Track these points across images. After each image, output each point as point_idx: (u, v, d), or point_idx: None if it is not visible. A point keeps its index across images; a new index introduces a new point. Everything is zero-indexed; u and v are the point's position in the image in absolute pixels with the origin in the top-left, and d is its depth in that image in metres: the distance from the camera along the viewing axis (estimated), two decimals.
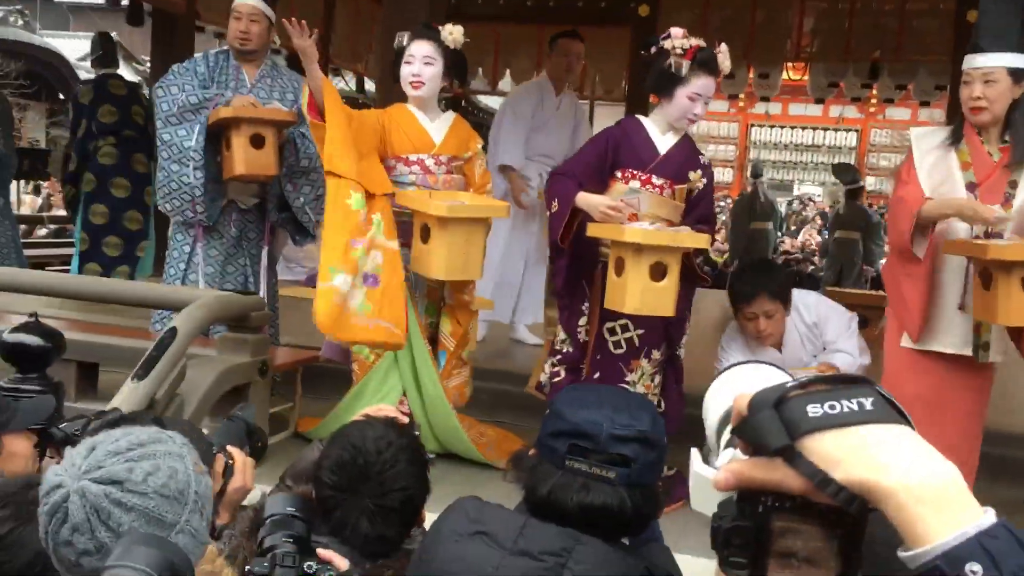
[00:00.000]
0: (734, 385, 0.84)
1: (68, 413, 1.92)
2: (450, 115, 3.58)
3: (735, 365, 0.92)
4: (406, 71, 3.42)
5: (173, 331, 2.60)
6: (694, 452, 0.84)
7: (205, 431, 2.78)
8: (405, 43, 3.44)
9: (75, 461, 1.23)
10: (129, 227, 5.55)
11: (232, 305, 3.01)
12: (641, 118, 3.30)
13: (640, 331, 3.22)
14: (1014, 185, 2.82)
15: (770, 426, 0.65)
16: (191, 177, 3.68)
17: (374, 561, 1.58)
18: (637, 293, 2.89)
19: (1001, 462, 3.51)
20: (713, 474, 0.73)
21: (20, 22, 15.19)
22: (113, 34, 16.57)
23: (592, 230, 3.09)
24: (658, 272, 2.91)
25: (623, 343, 3.23)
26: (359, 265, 3.13)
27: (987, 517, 0.61)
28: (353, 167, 3.21)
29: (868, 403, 0.64)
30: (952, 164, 2.88)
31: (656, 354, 3.27)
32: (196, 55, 4.00)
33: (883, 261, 3.50)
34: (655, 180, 3.19)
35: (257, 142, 3.61)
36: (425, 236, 3.24)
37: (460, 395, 3.62)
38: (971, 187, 2.85)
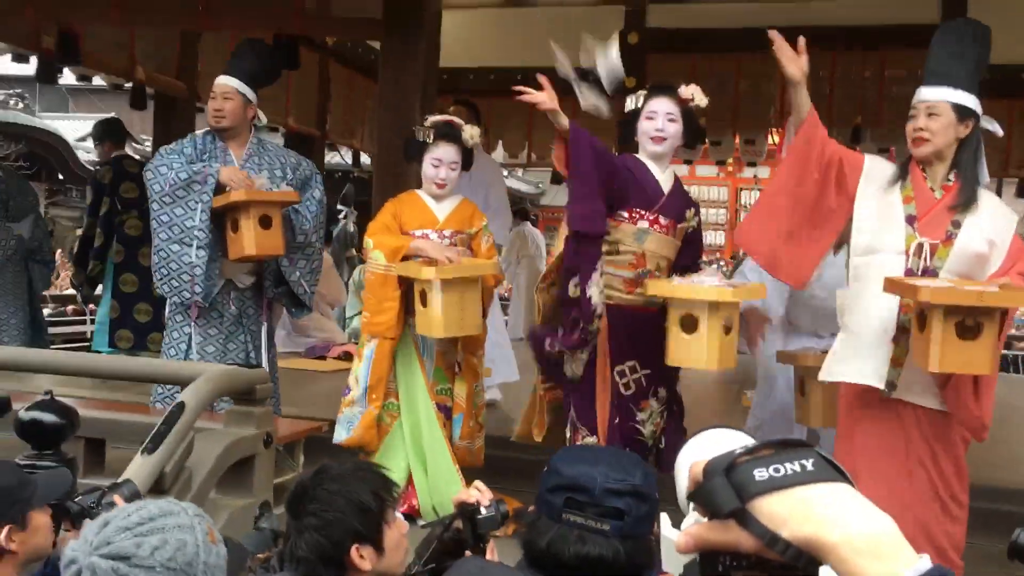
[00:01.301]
0: (703, 450, 0.91)
1: (78, 489, 1.97)
2: (457, 197, 3.87)
3: (703, 432, 0.98)
4: (432, 173, 3.72)
5: (181, 405, 2.67)
6: (663, 517, 0.90)
7: (213, 500, 2.83)
8: (430, 140, 3.68)
9: (88, 537, 1.29)
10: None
11: (237, 379, 3.08)
12: (640, 156, 3.34)
13: (647, 371, 3.28)
14: (957, 225, 2.84)
15: (722, 491, 0.70)
16: (193, 256, 3.75)
17: None
18: (716, 350, 3.01)
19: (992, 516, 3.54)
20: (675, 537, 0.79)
21: (20, 105, 15.50)
22: (112, 114, 16.82)
23: (660, 289, 3.12)
24: (729, 328, 3.05)
25: (632, 384, 3.28)
26: None
27: (922, 562, 0.66)
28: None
29: (809, 464, 0.69)
30: (895, 198, 2.89)
31: (662, 392, 3.33)
32: (184, 138, 4.09)
33: None
34: (662, 220, 3.27)
35: (265, 223, 3.73)
36: (424, 300, 3.52)
37: (479, 458, 3.81)
38: (910, 219, 2.86)
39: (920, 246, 2.83)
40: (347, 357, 6.85)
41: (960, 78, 2.86)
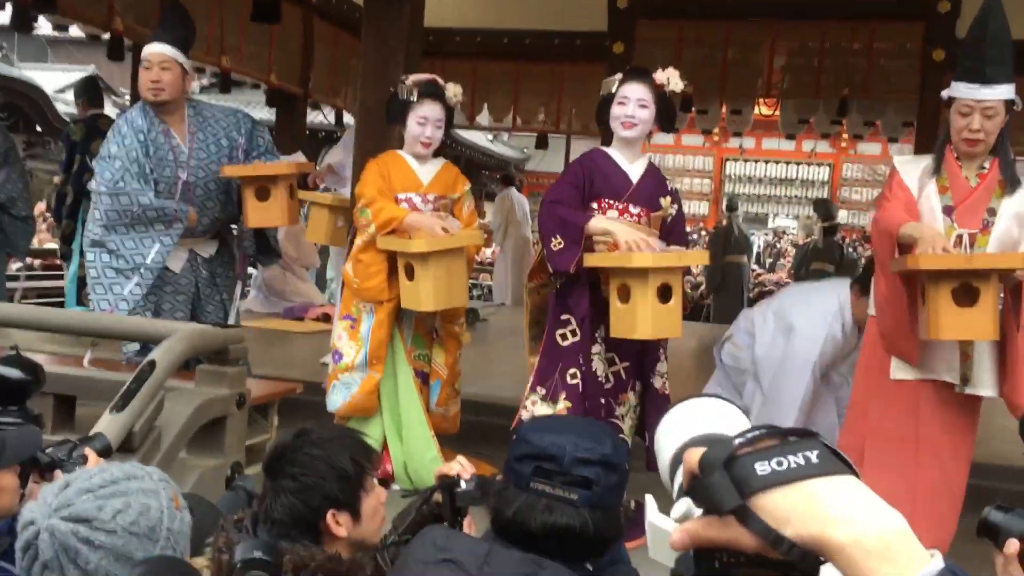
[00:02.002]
0: (686, 423, 0.87)
1: (45, 446, 1.94)
2: (439, 160, 3.81)
3: (686, 401, 0.95)
4: (418, 131, 3.65)
5: (152, 364, 2.63)
6: (649, 500, 0.86)
7: (183, 460, 2.81)
8: (414, 98, 3.61)
9: (47, 499, 1.26)
10: None
11: (211, 338, 3.04)
12: (606, 149, 3.35)
13: (626, 364, 3.26)
14: (993, 212, 2.85)
15: (721, 487, 0.67)
16: (125, 291, 3.63)
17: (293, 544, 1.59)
18: (649, 318, 2.93)
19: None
20: (668, 526, 0.75)
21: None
22: (91, 67, 16.59)
23: (592, 260, 3.11)
24: (665, 294, 2.97)
25: (611, 376, 3.26)
26: None
27: (934, 563, 0.63)
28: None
29: (814, 456, 0.66)
30: (930, 190, 2.89)
31: (638, 386, 3.32)
32: (123, 122, 3.78)
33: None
34: (632, 209, 3.24)
35: (292, 193, 3.77)
36: (410, 273, 3.48)
37: (454, 424, 3.81)
38: (947, 210, 2.86)
39: (960, 238, 2.83)
40: (326, 319, 6.81)
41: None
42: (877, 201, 3.09)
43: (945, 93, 2.90)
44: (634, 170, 3.29)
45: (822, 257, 8.77)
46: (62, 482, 1.30)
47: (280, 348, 5.65)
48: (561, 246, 3.13)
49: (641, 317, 2.94)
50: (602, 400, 3.24)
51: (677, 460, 0.78)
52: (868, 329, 3.12)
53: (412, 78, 3.69)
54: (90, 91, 6.06)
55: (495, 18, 7.80)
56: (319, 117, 10.48)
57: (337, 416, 3.66)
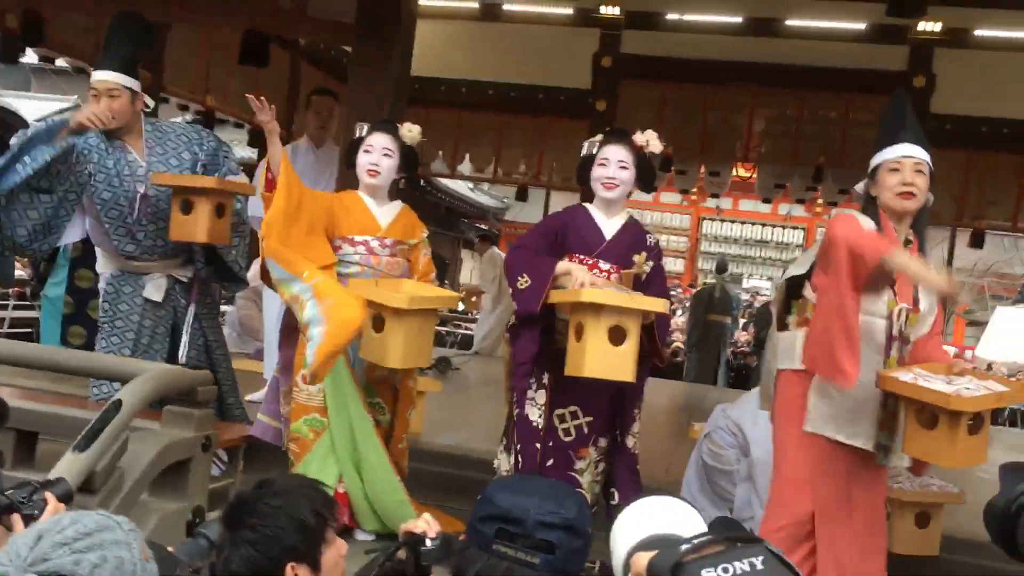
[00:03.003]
0: (641, 522, 0.88)
1: (7, 482, 1.90)
2: (398, 203, 3.75)
3: (643, 499, 0.95)
4: (364, 159, 3.59)
5: (118, 403, 2.59)
6: None
7: (144, 503, 2.76)
8: (365, 134, 3.59)
9: (20, 552, 1.23)
10: None
11: (180, 380, 3.00)
12: (586, 205, 3.39)
13: (589, 419, 3.25)
14: (916, 289, 2.87)
15: None
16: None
17: None
18: (597, 356, 2.90)
19: None
20: None
21: None
22: (75, 97, 16.55)
23: (554, 296, 3.11)
24: (618, 336, 2.94)
25: (572, 430, 3.26)
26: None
27: None
28: (287, 241, 3.38)
29: (759, 563, 0.68)
30: None
31: (602, 442, 3.31)
32: (78, 140, 3.61)
33: None
34: (602, 265, 3.27)
35: (219, 211, 3.63)
36: (379, 326, 3.33)
37: (402, 469, 3.66)
38: (891, 282, 2.82)
39: (900, 312, 2.85)
40: None
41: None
42: (829, 224, 2.93)
43: (871, 165, 2.94)
44: (610, 226, 3.33)
45: (718, 309, 9.05)
46: (34, 534, 1.27)
47: (249, 390, 5.59)
48: (527, 284, 3.14)
49: (590, 355, 2.91)
50: (550, 451, 3.22)
51: (628, 562, 0.79)
52: (784, 390, 2.95)
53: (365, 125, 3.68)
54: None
55: (481, 70, 7.91)
56: None
57: (298, 452, 3.56)
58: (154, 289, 3.79)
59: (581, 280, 3.07)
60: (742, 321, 13.60)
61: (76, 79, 13.50)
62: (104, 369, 3.26)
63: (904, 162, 2.87)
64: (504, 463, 3.31)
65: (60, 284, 5.69)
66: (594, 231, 3.30)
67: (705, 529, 1.01)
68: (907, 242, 2.91)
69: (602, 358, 2.91)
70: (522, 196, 9.55)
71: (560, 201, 9.16)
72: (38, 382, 3.75)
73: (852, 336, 2.66)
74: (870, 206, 2.92)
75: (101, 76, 3.61)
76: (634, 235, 3.36)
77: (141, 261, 3.78)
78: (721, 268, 10.18)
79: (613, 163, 3.24)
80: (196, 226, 3.57)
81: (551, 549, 1.43)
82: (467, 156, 8.92)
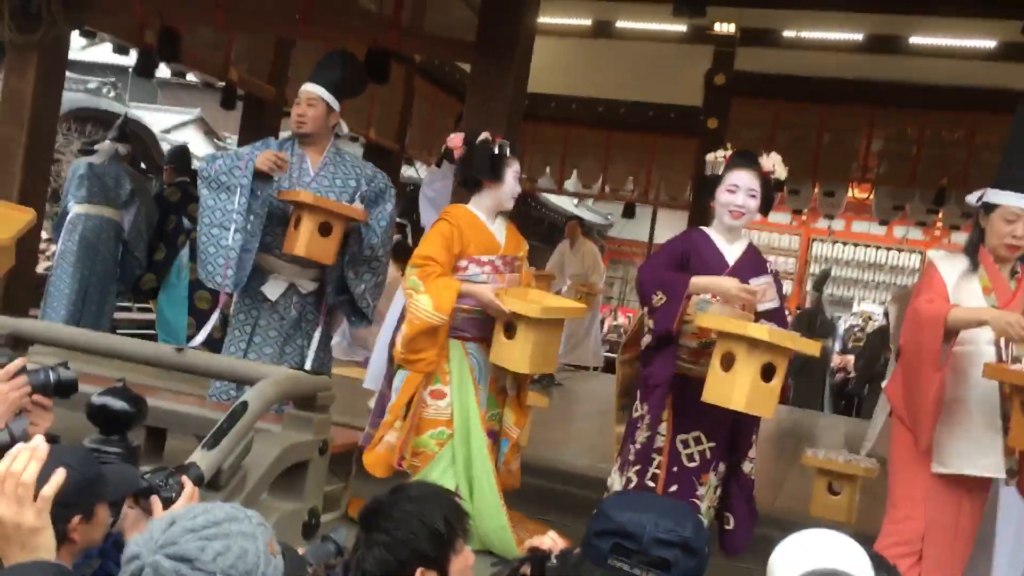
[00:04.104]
0: (805, 554, 0.87)
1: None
2: (503, 220, 3.79)
3: (805, 532, 0.94)
4: (514, 187, 3.65)
5: (244, 405, 2.70)
6: None
7: (263, 502, 2.86)
8: (508, 154, 3.64)
9: (154, 535, 1.30)
10: (227, 311, 6.09)
11: (302, 384, 3.11)
12: (705, 229, 3.34)
13: (712, 444, 3.19)
14: None
15: None
16: (229, 239, 3.79)
17: None
18: (746, 391, 2.88)
19: None
20: None
21: (112, 93, 16.02)
22: (198, 109, 17.17)
23: (707, 321, 3.06)
24: (768, 373, 2.93)
25: (696, 456, 3.19)
26: None
27: None
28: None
29: None
30: (974, 289, 2.95)
31: (721, 467, 3.25)
32: (268, 139, 4.14)
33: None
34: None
35: (325, 230, 3.76)
36: (510, 332, 3.46)
37: (517, 479, 3.77)
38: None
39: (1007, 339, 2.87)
40: None
41: None
42: (915, 293, 3.09)
43: (986, 198, 2.97)
44: (732, 252, 3.27)
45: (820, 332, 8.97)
46: (168, 518, 1.34)
47: (361, 397, 5.73)
48: (664, 301, 3.09)
49: (739, 388, 2.88)
50: (674, 476, 3.17)
51: None
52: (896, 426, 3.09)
53: (492, 136, 3.67)
54: (180, 160, 6.47)
55: (592, 86, 7.93)
56: (410, 171, 10.74)
57: (417, 466, 3.63)
58: (272, 288, 3.98)
59: (736, 295, 3.05)
60: (849, 346, 13.19)
61: (199, 91, 14.13)
62: (231, 372, 3.40)
63: (1021, 215, 2.89)
64: (617, 482, 3.29)
65: (178, 305, 6.04)
66: (716, 257, 3.24)
67: (870, 564, 0.99)
68: (1013, 272, 2.98)
69: (751, 392, 2.89)
70: (629, 213, 9.49)
71: (667, 218, 9.12)
72: (152, 379, 3.95)
73: (929, 411, 2.83)
74: (975, 238, 3.00)
75: (305, 87, 4.02)
76: (754, 262, 3.30)
77: (276, 258, 3.96)
78: (818, 286, 9.85)
79: (743, 191, 3.17)
80: (298, 240, 3.73)
81: (667, 567, 1.42)
82: (574, 172, 8.95)
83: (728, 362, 2.94)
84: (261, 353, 3.94)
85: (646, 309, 3.20)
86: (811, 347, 3.06)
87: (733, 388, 2.90)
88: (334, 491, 3.68)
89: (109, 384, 2.34)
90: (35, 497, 1.39)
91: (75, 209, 5.63)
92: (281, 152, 3.93)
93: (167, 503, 1.73)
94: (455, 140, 3.72)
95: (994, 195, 2.94)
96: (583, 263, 8.49)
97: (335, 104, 4.02)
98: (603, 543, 1.47)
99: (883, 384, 4.34)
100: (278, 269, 3.98)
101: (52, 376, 1.99)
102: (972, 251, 2.99)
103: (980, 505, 3.00)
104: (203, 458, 2.54)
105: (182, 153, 6.61)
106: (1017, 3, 4.95)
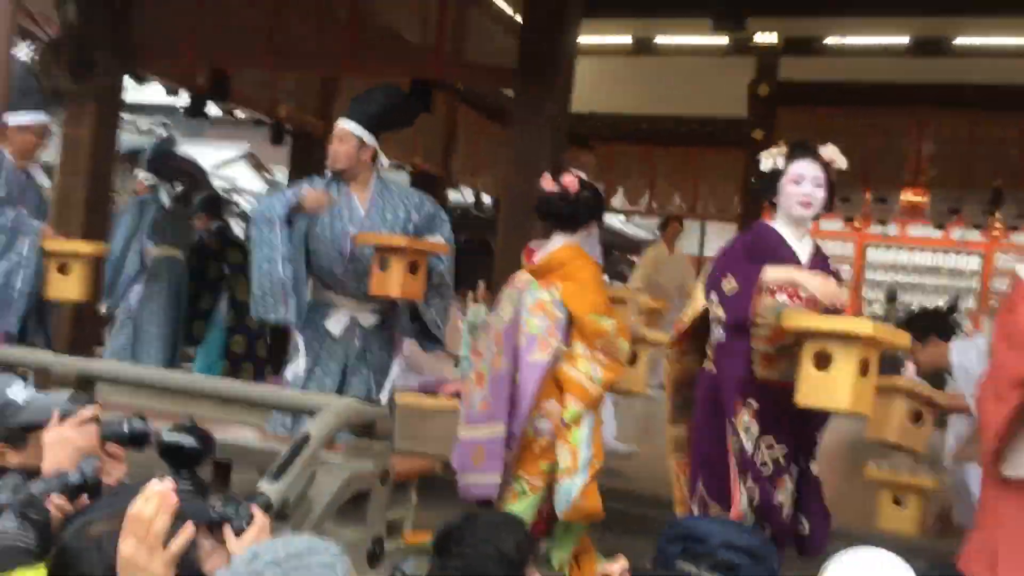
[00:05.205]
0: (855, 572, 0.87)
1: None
2: (555, 242, 3.75)
3: (851, 553, 0.94)
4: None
5: (307, 436, 2.75)
6: None
7: (327, 530, 2.90)
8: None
9: (238, 569, 1.34)
10: (260, 355, 6.48)
11: (361, 414, 3.15)
12: (773, 225, 3.23)
13: (784, 447, 3.09)
14: None
15: None
16: (280, 272, 3.86)
17: None
18: (849, 389, 2.76)
19: None
20: None
21: (163, 133, 16.45)
22: (246, 144, 17.39)
23: (795, 320, 2.91)
24: (864, 368, 2.82)
25: (769, 462, 3.09)
26: None
27: None
28: None
29: None
30: None
31: (794, 469, 3.16)
32: (312, 177, 4.20)
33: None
34: (801, 292, 3.08)
35: (413, 268, 3.84)
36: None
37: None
38: None
39: None
40: (458, 395, 6.93)
41: None
42: (1005, 306, 3.02)
43: None
44: (803, 249, 3.18)
45: None
46: (250, 553, 1.37)
47: (418, 423, 5.78)
48: (737, 290, 2.99)
49: (842, 387, 2.76)
50: (762, 487, 3.04)
51: None
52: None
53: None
54: (212, 207, 6.68)
55: (634, 103, 7.94)
56: (456, 195, 10.84)
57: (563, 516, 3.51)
58: (335, 323, 4.05)
59: (823, 295, 2.96)
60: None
61: (246, 126, 14.41)
62: (290, 403, 3.46)
63: None
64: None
65: (214, 350, 6.24)
66: (790, 255, 3.15)
67: None
68: None
69: (853, 390, 2.77)
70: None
71: (715, 231, 9.04)
72: (212, 411, 4.03)
73: (1002, 420, 2.76)
74: None
75: (338, 123, 4.08)
76: (824, 262, 3.23)
77: (336, 294, 4.05)
78: (891, 297, 9.71)
79: (808, 179, 3.09)
80: (391, 282, 3.79)
81: (733, 569, 1.45)
82: (619, 189, 8.95)
83: (823, 361, 2.83)
84: (322, 384, 4.00)
85: (714, 297, 3.08)
86: (905, 339, 2.98)
87: (836, 388, 2.79)
88: (396, 519, 3.72)
89: (174, 419, 2.40)
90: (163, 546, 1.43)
91: (155, 252, 5.81)
92: (327, 191, 4.00)
93: (239, 532, 1.77)
94: (572, 182, 3.57)
95: None
96: (680, 270, 8.07)
97: (369, 138, 4.03)
98: (673, 547, 1.52)
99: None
100: (338, 303, 4.05)
101: (126, 427, 2.04)
102: None
103: None
104: (270, 488, 2.59)
105: (212, 201, 6.83)
106: None
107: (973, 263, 15.55)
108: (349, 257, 3.99)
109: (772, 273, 3.01)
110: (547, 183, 3.62)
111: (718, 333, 3.14)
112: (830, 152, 3.14)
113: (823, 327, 2.87)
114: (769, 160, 3.18)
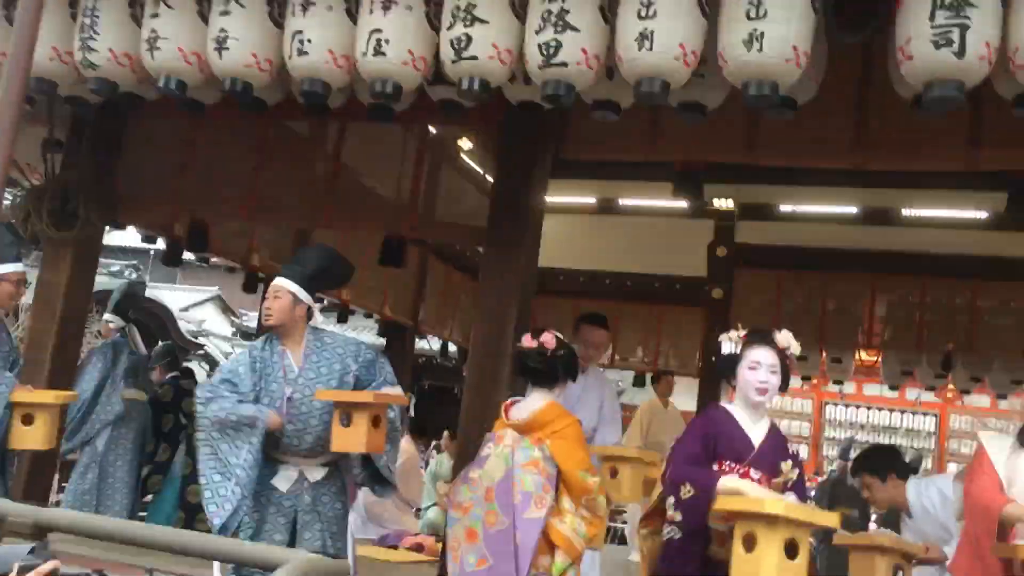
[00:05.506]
0: None
1: None
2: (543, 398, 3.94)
3: None
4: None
5: None
6: None
7: None
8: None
9: None
10: None
11: (322, 570, 3.12)
12: (727, 407, 3.39)
13: None
14: None
15: None
16: (228, 491, 3.86)
17: None
18: (773, 569, 2.83)
19: None
20: None
21: (133, 275, 16.52)
22: (216, 288, 17.48)
23: (723, 503, 3.06)
24: (792, 550, 2.89)
25: None
26: None
27: None
28: None
29: None
30: (1021, 464, 3.09)
31: None
32: (245, 351, 4.19)
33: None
34: (752, 474, 3.22)
35: (376, 422, 3.88)
36: (748, 545, 2.95)
37: None
38: None
39: None
40: (419, 548, 6.79)
41: None
42: (967, 475, 3.25)
43: None
44: (756, 432, 3.32)
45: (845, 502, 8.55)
46: None
47: (378, 573, 5.64)
48: (691, 494, 3.12)
49: (765, 567, 2.85)
50: None
51: None
52: None
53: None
54: (169, 357, 6.77)
55: (598, 260, 8.17)
56: (423, 343, 10.93)
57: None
58: (282, 480, 4.04)
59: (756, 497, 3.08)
60: (874, 515, 12.86)
61: (215, 271, 14.57)
62: (251, 557, 3.41)
63: None
64: None
65: (170, 500, 6.15)
66: (743, 438, 3.29)
67: None
68: None
69: (777, 570, 2.85)
70: (639, 382, 9.56)
71: (678, 387, 9.15)
72: (164, 562, 3.94)
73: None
74: None
75: (275, 281, 4.17)
76: (778, 442, 3.35)
77: (280, 453, 4.04)
78: (844, 454, 9.77)
79: (764, 367, 3.26)
80: (356, 438, 3.81)
81: None
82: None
83: (750, 542, 2.92)
84: (271, 540, 3.96)
85: (672, 501, 3.20)
86: (829, 519, 3.05)
87: (759, 569, 2.86)
88: None
89: (134, 572, 2.38)
90: None
91: (125, 394, 5.79)
92: (263, 352, 4.06)
93: None
94: (550, 340, 3.81)
95: None
96: (675, 425, 8.02)
97: (302, 295, 4.11)
98: None
99: None
100: (285, 460, 4.05)
101: None
102: (1020, 431, 3.18)
103: None
104: None
105: (169, 352, 6.91)
106: (999, 178, 5.20)
107: (929, 423, 15.76)
108: (287, 417, 3.99)
109: (725, 483, 3.14)
110: (526, 340, 3.78)
111: (674, 532, 3.24)
112: (784, 338, 3.32)
113: (748, 509, 2.97)
114: (728, 344, 3.35)
